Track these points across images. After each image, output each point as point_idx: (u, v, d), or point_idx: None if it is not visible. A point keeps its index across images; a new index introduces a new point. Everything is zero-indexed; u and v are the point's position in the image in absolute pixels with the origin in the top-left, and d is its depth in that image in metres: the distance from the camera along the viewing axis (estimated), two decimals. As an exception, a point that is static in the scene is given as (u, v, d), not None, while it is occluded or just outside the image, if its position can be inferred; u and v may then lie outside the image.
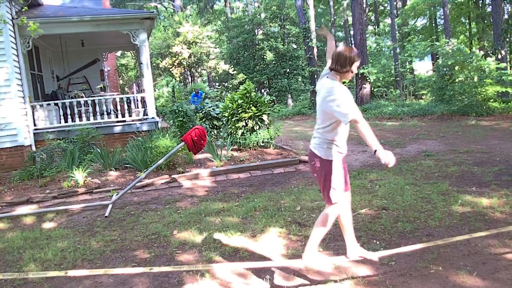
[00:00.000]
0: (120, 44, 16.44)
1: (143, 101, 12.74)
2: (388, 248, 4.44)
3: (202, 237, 5.33)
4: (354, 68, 3.62)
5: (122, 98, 12.80)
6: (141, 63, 12.77)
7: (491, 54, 17.64)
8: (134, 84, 21.89)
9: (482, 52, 19.10)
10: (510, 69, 24.32)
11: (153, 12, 13.36)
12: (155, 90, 35.73)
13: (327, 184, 3.75)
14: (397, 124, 16.47)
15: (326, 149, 3.72)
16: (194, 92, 19.81)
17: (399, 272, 4.03)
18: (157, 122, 12.15)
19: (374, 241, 4.77)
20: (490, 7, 25.24)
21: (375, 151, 3.33)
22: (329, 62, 3.91)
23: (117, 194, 7.42)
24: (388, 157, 3.29)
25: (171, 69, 26.14)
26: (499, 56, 19.67)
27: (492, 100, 17.40)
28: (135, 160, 9.17)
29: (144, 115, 12.60)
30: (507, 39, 16.65)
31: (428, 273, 3.96)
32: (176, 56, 25.44)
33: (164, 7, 40.23)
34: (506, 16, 18.68)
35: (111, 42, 16.05)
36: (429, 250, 4.37)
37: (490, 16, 24.97)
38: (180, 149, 8.04)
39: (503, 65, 18.88)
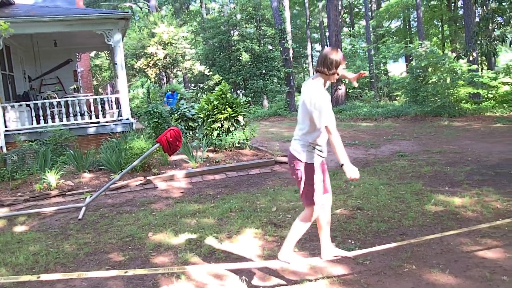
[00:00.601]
0: (94, 44, 16.22)
1: (117, 102, 12.60)
2: (363, 247, 4.47)
3: (178, 238, 5.29)
4: (340, 70, 3.70)
5: (96, 99, 12.63)
6: (116, 64, 12.63)
7: (462, 56, 18.01)
8: (108, 85, 21.61)
9: (454, 54, 19.46)
10: (481, 71, 24.81)
11: (127, 12, 13.22)
12: (129, 91, 35.42)
13: (306, 187, 3.77)
14: (371, 125, 16.65)
15: (307, 152, 3.73)
16: (169, 92, 19.72)
17: (373, 271, 4.07)
18: (132, 123, 12.03)
19: (349, 240, 4.80)
20: (462, 10, 25.72)
21: (342, 164, 3.49)
22: None
23: (90, 196, 7.33)
24: (353, 173, 3.48)
25: (146, 70, 25.91)
26: (471, 58, 20.06)
27: (464, 101, 17.75)
28: (109, 161, 9.06)
29: (118, 116, 12.45)
30: (478, 42, 16.96)
31: (402, 271, 4.01)
32: (151, 56, 25.23)
33: (139, 7, 39.86)
34: (477, 19, 19.05)
35: (84, 42, 15.83)
36: (403, 249, 4.42)
37: (462, 19, 25.45)
38: (155, 150, 7.97)
39: (474, 67, 19.26)
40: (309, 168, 3.75)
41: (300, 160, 3.75)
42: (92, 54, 25.97)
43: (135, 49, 25.83)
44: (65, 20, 11.46)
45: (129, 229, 5.79)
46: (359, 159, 9.67)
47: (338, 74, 3.72)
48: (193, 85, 35.87)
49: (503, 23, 16.67)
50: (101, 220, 6.41)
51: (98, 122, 12.12)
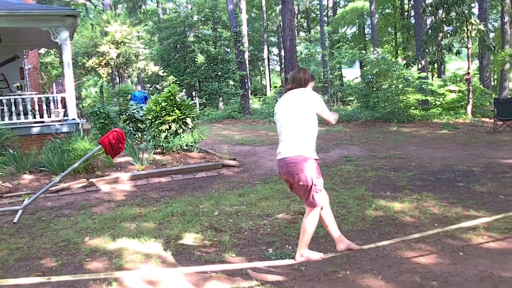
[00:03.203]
0: (43, 41, 15.67)
1: (63, 101, 12.23)
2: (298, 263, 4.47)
3: (115, 243, 5.15)
4: (309, 88, 4.03)
5: (41, 97, 12.22)
6: (63, 62, 12.27)
7: (412, 64, 18.53)
8: (54, 84, 20.97)
9: (405, 61, 19.99)
10: (432, 78, 25.59)
11: (75, 9, 12.88)
12: (82, 90, 34.59)
13: (315, 187, 3.82)
14: (323, 129, 16.80)
15: (308, 149, 3.84)
16: (135, 91, 19.23)
17: (308, 277, 4.07)
18: (78, 123, 11.71)
19: (287, 246, 4.79)
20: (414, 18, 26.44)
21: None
22: None
23: (28, 199, 7.06)
24: None
25: (98, 69, 25.34)
26: (420, 66, 20.66)
27: (413, 107, 18.22)
28: (51, 163, 8.76)
29: (64, 116, 12.10)
30: (427, 50, 17.49)
31: (336, 277, 4.02)
32: (104, 55, 24.70)
33: (94, 5, 39.06)
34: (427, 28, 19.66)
35: (32, 39, 15.27)
36: (339, 255, 4.43)
37: (414, 27, 26.19)
38: (99, 152, 7.79)
39: (423, 74, 19.85)
40: (316, 164, 3.89)
41: (308, 158, 3.82)
42: (42, 51, 25.16)
43: (87, 47, 25.22)
44: (9, 15, 11.05)
45: (66, 234, 5.60)
46: (307, 163, 9.71)
47: None
48: (148, 85, 35.40)
49: (450, 33, 17.26)
50: (37, 223, 6.18)
51: (43, 122, 11.74)
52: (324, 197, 3.95)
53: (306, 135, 3.84)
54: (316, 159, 3.90)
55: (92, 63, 24.97)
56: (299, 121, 3.84)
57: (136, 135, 12.04)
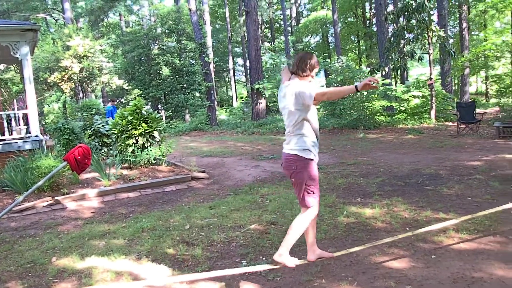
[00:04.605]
0: (2, 57, 15.21)
1: (25, 118, 11.90)
2: (274, 263, 4.42)
3: (84, 262, 4.99)
4: (314, 74, 3.95)
5: (1, 115, 11.87)
6: (24, 78, 11.96)
7: (376, 71, 18.84)
8: (15, 101, 20.41)
9: (369, 69, 20.31)
10: (395, 85, 26.07)
11: (35, 23, 12.56)
12: (44, 106, 33.83)
13: (306, 187, 3.82)
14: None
15: (305, 148, 3.80)
16: (109, 105, 18.73)
17: (283, 287, 4.02)
18: (41, 140, 11.39)
19: (261, 257, 4.74)
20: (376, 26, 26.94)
21: (356, 86, 3.63)
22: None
23: (-9, 220, 6.81)
24: (368, 79, 3.61)
25: (60, 84, 24.81)
26: (383, 73, 21.02)
27: (378, 114, 18.49)
28: (14, 182, 8.49)
29: (26, 133, 11.76)
30: (390, 57, 17.82)
31: (312, 286, 3.99)
32: (66, 70, 24.23)
33: (54, 19, 38.40)
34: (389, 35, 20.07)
35: (-10, 55, 14.89)
36: (313, 263, 4.40)
37: (377, 35, 26.69)
38: (64, 169, 7.59)
39: (387, 81, 20.19)
40: (309, 165, 3.83)
41: (302, 157, 3.80)
42: (2, 67, 24.50)
43: (48, 62, 24.68)
44: (-35, 31, 10.72)
45: (31, 255, 5.41)
46: (276, 173, 9.71)
47: (312, 77, 3.95)
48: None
49: (412, 40, 17.65)
50: (0, 245, 5.95)
51: (4, 140, 11.37)
52: (316, 201, 3.93)
53: (302, 134, 3.84)
54: (312, 159, 3.86)
55: (54, 78, 24.43)
56: (294, 120, 3.84)
57: (102, 150, 11.80)
